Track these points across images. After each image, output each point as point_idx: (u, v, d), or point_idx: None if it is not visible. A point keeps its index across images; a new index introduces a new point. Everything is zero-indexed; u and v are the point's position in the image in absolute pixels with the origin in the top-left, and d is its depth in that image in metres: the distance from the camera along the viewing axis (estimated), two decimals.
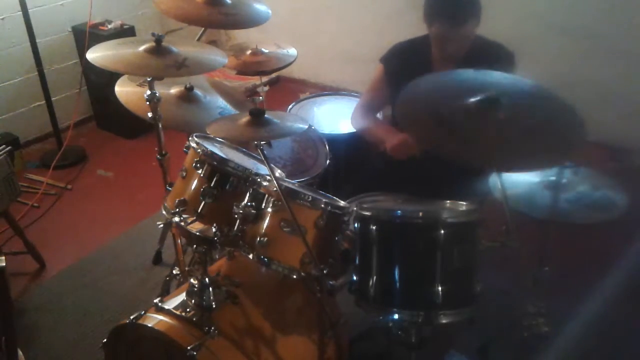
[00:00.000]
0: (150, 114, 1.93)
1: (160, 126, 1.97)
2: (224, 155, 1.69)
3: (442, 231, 1.49)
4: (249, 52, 2.40)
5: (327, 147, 2.30)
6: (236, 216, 1.55)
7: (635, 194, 1.68)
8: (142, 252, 2.72)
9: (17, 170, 3.00)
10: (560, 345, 1.92)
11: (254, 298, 1.70)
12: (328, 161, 2.23)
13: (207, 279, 1.63)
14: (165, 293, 2.17)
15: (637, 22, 2.99)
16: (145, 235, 2.82)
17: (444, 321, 1.50)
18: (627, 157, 3.14)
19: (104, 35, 3.42)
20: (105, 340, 1.66)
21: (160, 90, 1.93)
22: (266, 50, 2.42)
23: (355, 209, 1.61)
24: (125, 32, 3.52)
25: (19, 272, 2.63)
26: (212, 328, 1.53)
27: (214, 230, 1.59)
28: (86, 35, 3.44)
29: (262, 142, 1.52)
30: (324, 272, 1.49)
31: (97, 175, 3.41)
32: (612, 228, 1.67)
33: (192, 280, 1.64)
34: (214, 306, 1.61)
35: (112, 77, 2.18)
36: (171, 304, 1.63)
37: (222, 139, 1.88)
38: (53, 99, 3.43)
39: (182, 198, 1.67)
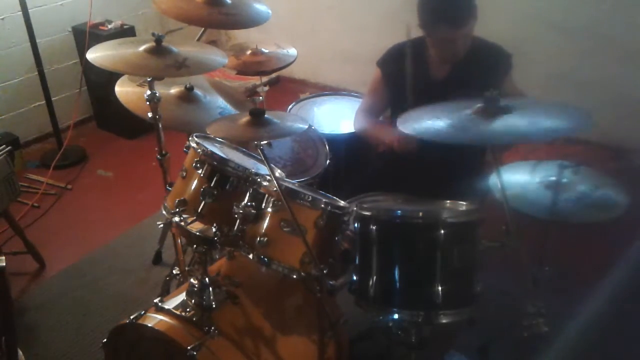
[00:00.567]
0: (150, 114, 1.93)
1: (160, 126, 1.97)
2: (224, 155, 1.69)
3: (442, 231, 1.49)
4: (249, 52, 2.40)
5: (327, 147, 2.30)
6: (236, 216, 1.55)
7: (635, 194, 1.68)
8: (142, 252, 2.72)
9: (17, 170, 3.00)
10: (560, 345, 1.92)
11: (254, 298, 1.70)
12: (328, 161, 2.23)
13: (207, 279, 1.63)
14: (165, 293, 2.17)
15: (637, 22, 2.99)
16: (145, 235, 2.82)
17: (444, 321, 1.50)
18: (627, 157, 3.14)
19: (104, 35, 3.42)
20: (105, 340, 1.66)
21: (160, 90, 1.93)
22: (266, 50, 2.42)
23: (355, 209, 1.61)
24: (125, 32, 3.52)
25: (19, 272, 2.63)
26: (212, 328, 1.53)
27: (214, 230, 1.59)
28: (86, 35, 3.44)
29: (262, 142, 1.52)
30: (324, 272, 1.49)
31: (97, 175, 3.41)
32: (612, 228, 1.67)
33: (192, 280, 1.64)
34: (214, 306, 1.61)
35: (112, 77, 2.18)
36: (171, 303, 1.63)
37: (222, 139, 1.87)
38: (53, 99, 3.43)
39: (182, 198, 1.67)
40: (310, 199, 1.52)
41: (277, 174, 1.60)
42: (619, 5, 3.01)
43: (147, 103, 1.90)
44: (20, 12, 3.14)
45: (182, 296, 1.66)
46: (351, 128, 2.41)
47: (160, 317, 1.58)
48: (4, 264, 1.43)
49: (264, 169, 1.70)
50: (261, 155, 1.51)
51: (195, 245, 1.72)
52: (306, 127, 1.65)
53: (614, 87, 3.07)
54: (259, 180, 1.59)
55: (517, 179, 1.73)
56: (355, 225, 1.61)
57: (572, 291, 2.18)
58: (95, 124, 3.90)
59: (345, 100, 2.79)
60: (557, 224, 1.60)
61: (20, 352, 1.95)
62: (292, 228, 1.50)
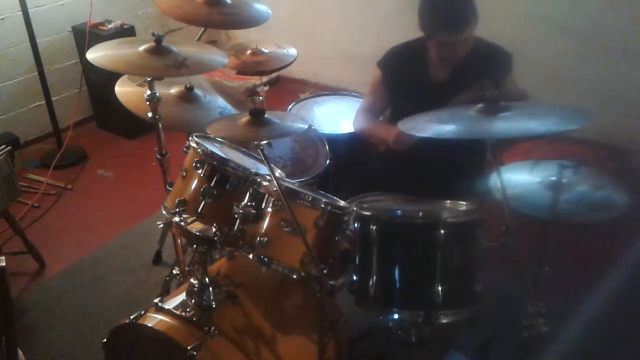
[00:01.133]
0: (150, 114, 1.93)
1: (160, 126, 1.97)
2: (224, 155, 1.69)
3: (442, 231, 1.49)
4: (249, 52, 2.40)
5: (327, 147, 2.30)
6: (236, 216, 1.55)
7: (635, 194, 1.68)
8: (142, 252, 2.72)
9: (17, 170, 3.00)
10: (560, 345, 1.92)
11: (254, 298, 1.70)
12: (328, 161, 2.23)
13: (207, 279, 1.63)
14: (165, 293, 2.17)
15: (637, 22, 2.99)
16: (145, 235, 2.82)
17: (444, 321, 1.50)
18: (627, 157, 3.14)
19: (104, 35, 3.42)
20: (105, 340, 1.66)
21: (160, 90, 1.93)
22: (266, 50, 2.42)
23: (355, 209, 1.61)
24: (125, 32, 3.52)
25: (19, 272, 2.63)
26: (212, 328, 1.53)
27: (214, 230, 1.59)
28: (86, 35, 3.44)
29: (262, 142, 1.52)
30: (324, 272, 1.48)
31: (97, 175, 3.41)
32: (612, 228, 1.67)
33: (192, 280, 1.64)
34: (214, 306, 1.61)
35: (112, 77, 2.18)
36: (171, 303, 1.63)
37: (222, 139, 1.87)
38: (53, 99, 3.43)
39: (182, 198, 1.67)
40: (310, 199, 1.52)
41: (277, 174, 1.60)
42: (619, 5, 3.01)
43: (147, 103, 1.90)
44: (20, 12, 3.14)
45: (182, 296, 1.66)
46: (351, 128, 2.41)
47: (160, 317, 1.58)
48: (4, 264, 1.43)
49: (264, 169, 1.70)
50: (261, 155, 1.51)
51: (195, 245, 1.73)
52: (306, 127, 1.65)
53: (614, 87, 3.07)
54: (259, 180, 1.59)
55: (517, 179, 1.73)
56: (355, 225, 1.61)
57: (572, 291, 2.18)
58: (95, 124, 3.90)
59: (345, 100, 2.79)
60: (557, 224, 1.60)
61: (20, 352, 1.95)
62: (292, 228, 1.49)
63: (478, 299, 1.54)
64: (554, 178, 1.63)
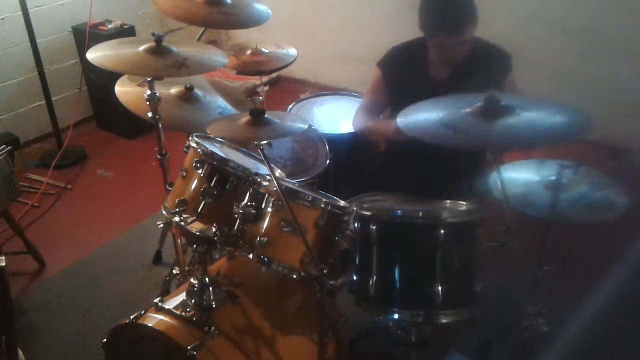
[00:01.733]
0: (150, 114, 1.93)
1: (160, 126, 1.97)
2: (224, 155, 1.69)
3: (442, 231, 1.49)
4: (249, 52, 2.40)
5: (327, 147, 2.30)
6: (236, 216, 1.55)
7: (635, 194, 1.68)
8: (142, 252, 2.72)
9: (17, 170, 3.00)
10: (560, 345, 1.92)
11: (254, 298, 1.70)
12: (328, 161, 2.23)
13: (207, 279, 1.63)
14: (165, 293, 2.17)
15: (637, 22, 2.99)
16: (145, 235, 2.82)
17: (444, 321, 1.50)
18: (627, 157, 3.14)
19: (104, 35, 3.42)
20: (105, 340, 1.66)
21: (160, 90, 1.93)
22: (266, 50, 2.42)
23: (355, 208, 1.61)
24: (125, 32, 3.52)
25: (19, 272, 2.63)
26: (212, 328, 1.53)
27: (214, 230, 1.59)
28: (86, 35, 3.44)
29: (262, 142, 1.52)
30: (324, 272, 1.48)
31: (97, 175, 3.41)
32: (612, 228, 1.67)
33: (192, 280, 1.64)
34: (214, 306, 1.61)
35: (112, 77, 2.18)
36: (171, 303, 1.63)
37: (222, 139, 1.88)
38: (53, 99, 3.43)
39: (182, 198, 1.67)
40: (310, 198, 1.52)
41: (277, 174, 1.60)
42: (619, 5, 3.01)
43: (147, 103, 1.90)
44: (20, 12, 3.14)
45: (182, 296, 1.66)
46: (351, 128, 2.41)
47: (160, 317, 1.58)
48: (4, 264, 1.43)
49: (264, 169, 1.70)
50: (261, 155, 1.51)
51: (195, 245, 1.72)
52: (306, 127, 1.65)
53: (614, 87, 3.07)
54: (259, 180, 1.59)
55: (517, 178, 1.73)
56: (355, 225, 1.61)
57: (572, 291, 2.18)
58: (95, 124, 3.90)
59: (345, 100, 2.79)
60: (557, 224, 1.60)
61: (20, 352, 1.95)
62: (292, 228, 1.50)
63: (478, 299, 1.55)
64: (554, 178, 1.62)
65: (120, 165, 3.49)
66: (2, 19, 3.29)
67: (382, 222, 1.55)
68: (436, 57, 2.14)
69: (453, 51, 2.07)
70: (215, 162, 1.65)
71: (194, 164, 1.67)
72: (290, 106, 2.71)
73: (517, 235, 1.51)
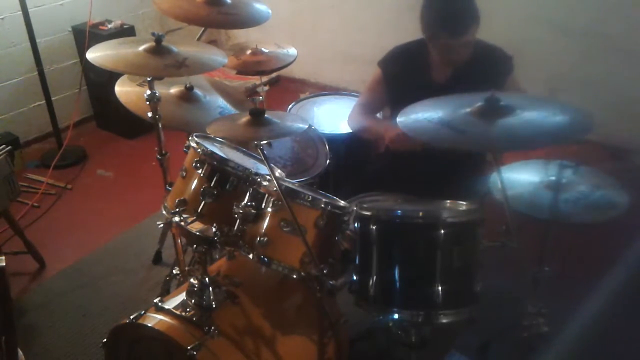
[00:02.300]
0: (150, 114, 1.93)
1: (160, 126, 1.97)
2: (224, 155, 1.69)
3: (442, 231, 1.49)
4: (249, 52, 2.40)
5: (327, 147, 2.30)
6: (236, 216, 1.55)
7: (635, 194, 1.68)
8: (142, 252, 2.72)
9: (17, 170, 3.00)
10: (560, 345, 1.92)
11: (254, 298, 1.70)
12: (328, 161, 2.23)
13: (207, 279, 1.63)
14: (165, 293, 2.17)
15: (637, 22, 2.99)
16: (145, 235, 2.82)
17: (444, 321, 1.50)
18: (627, 157, 3.14)
19: (104, 35, 3.42)
20: (105, 340, 1.66)
21: (160, 90, 1.93)
22: (266, 50, 2.42)
23: (355, 208, 1.61)
24: (125, 31, 3.52)
25: (19, 272, 2.63)
26: (212, 328, 1.53)
27: (214, 230, 1.59)
28: (86, 35, 3.44)
29: (262, 142, 1.52)
30: (324, 272, 1.48)
31: (97, 175, 3.41)
32: (612, 228, 1.67)
33: (192, 280, 1.64)
34: (214, 306, 1.61)
35: (112, 76, 2.18)
36: (171, 303, 1.63)
37: (222, 138, 1.88)
38: (53, 98, 3.43)
39: (182, 198, 1.67)
40: (310, 198, 1.52)
41: (277, 174, 1.60)
42: (619, 5, 3.01)
43: (147, 103, 1.90)
44: (20, 12, 3.14)
45: (182, 296, 1.65)
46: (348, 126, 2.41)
47: (160, 317, 1.58)
48: (4, 264, 1.43)
49: (264, 169, 1.70)
50: (261, 155, 1.51)
51: (195, 245, 1.72)
52: (306, 127, 1.65)
53: (614, 87, 3.07)
54: (259, 180, 1.59)
55: (517, 179, 1.73)
56: (355, 225, 1.61)
57: (572, 291, 2.18)
58: (95, 124, 3.90)
59: (345, 100, 2.79)
60: (557, 224, 1.60)
61: (20, 352, 1.95)
62: (292, 228, 1.50)
63: (478, 299, 1.55)
64: (554, 178, 1.63)
65: (120, 165, 3.49)
66: (2, 19, 3.29)
67: (382, 222, 1.55)
68: (438, 59, 2.13)
69: (455, 53, 2.06)
70: (215, 162, 1.65)
71: (194, 164, 1.67)
72: (290, 106, 2.71)
73: (517, 235, 1.51)
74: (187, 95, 2.19)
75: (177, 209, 1.66)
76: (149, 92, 1.88)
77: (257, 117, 1.57)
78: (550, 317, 1.61)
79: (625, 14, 3.01)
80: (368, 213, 1.57)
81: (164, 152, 2.03)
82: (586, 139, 1.50)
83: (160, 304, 1.62)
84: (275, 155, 2.25)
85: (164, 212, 1.76)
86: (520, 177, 1.74)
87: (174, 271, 2.11)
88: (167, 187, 1.94)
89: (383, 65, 2.30)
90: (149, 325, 1.55)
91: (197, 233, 1.73)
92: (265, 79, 3.88)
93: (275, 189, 1.50)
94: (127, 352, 1.68)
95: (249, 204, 1.56)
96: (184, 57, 1.81)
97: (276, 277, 1.75)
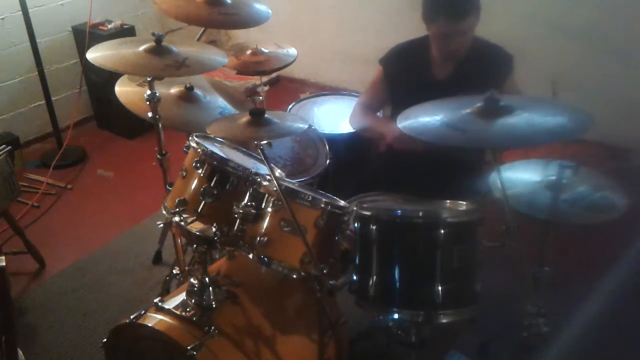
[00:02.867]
0: (150, 114, 1.93)
1: (160, 126, 1.97)
2: (224, 155, 1.69)
3: (442, 231, 1.49)
4: (249, 52, 2.40)
5: (327, 147, 2.30)
6: (236, 216, 1.55)
7: (635, 194, 1.68)
8: (142, 252, 2.72)
9: (17, 170, 3.00)
10: (560, 345, 1.92)
11: (254, 298, 1.70)
12: (328, 161, 2.23)
13: (207, 279, 1.64)
14: (165, 293, 2.17)
15: (637, 22, 2.99)
16: (145, 235, 2.82)
17: (444, 321, 1.50)
18: (627, 157, 3.14)
19: (104, 35, 3.42)
20: (105, 340, 1.66)
21: (160, 90, 1.93)
22: (266, 50, 2.42)
23: (355, 208, 1.61)
24: (125, 32, 3.52)
25: (19, 272, 2.63)
26: (212, 328, 1.53)
27: (214, 230, 1.59)
28: (86, 35, 3.44)
29: (262, 142, 1.52)
30: (324, 271, 1.49)
31: (97, 175, 3.41)
32: (612, 228, 1.67)
33: (192, 280, 1.64)
34: (214, 306, 1.62)
35: (112, 77, 2.18)
36: (171, 303, 1.63)
37: (222, 138, 1.88)
38: (53, 99, 3.43)
39: (182, 198, 1.67)
40: (310, 198, 1.52)
41: (277, 174, 1.60)
42: (619, 5, 3.01)
43: (147, 103, 1.90)
44: (20, 12, 3.14)
45: (182, 296, 1.66)
46: (351, 128, 2.41)
47: (160, 316, 1.58)
48: (4, 264, 1.43)
49: (264, 169, 1.70)
50: (261, 155, 1.51)
51: (195, 245, 1.72)
52: (306, 127, 1.65)
53: (614, 87, 3.07)
54: (259, 180, 1.59)
55: (517, 178, 1.73)
56: (355, 225, 1.61)
57: (572, 291, 2.18)
58: (95, 124, 3.90)
59: (345, 100, 2.79)
60: (557, 224, 1.60)
61: (20, 352, 1.95)
62: (292, 228, 1.49)
63: (478, 299, 1.55)
64: (554, 178, 1.63)
65: (120, 165, 3.49)
66: (2, 19, 3.29)
67: (382, 222, 1.56)
68: (438, 52, 2.13)
69: (453, 43, 2.06)
70: (215, 162, 1.65)
71: (194, 164, 1.67)
72: (290, 106, 2.71)
73: (517, 235, 1.51)
74: (187, 95, 2.19)
75: (177, 209, 1.66)
76: (149, 92, 1.88)
77: (257, 117, 1.58)
78: (550, 317, 1.61)
79: (625, 14, 3.00)
80: (368, 213, 1.57)
81: (164, 152, 2.03)
82: (586, 139, 1.50)
83: (160, 304, 1.62)
84: (275, 155, 2.25)
85: (164, 212, 1.76)
86: (520, 177, 1.74)
87: (174, 271, 2.11)
88: (167, 187, 1.95)
89: (384, 62, 2.30)
90: (149, 325, 1.55)
91: (197, 233, 1.73)
92: (265, 79, 3.88)
93: (275, 189, 1.50)
94: (127, 352, 1.68)
95: (249, 204, 1.56)
96: (184, 57, 1.81)
97: (276, 277, 1.75)
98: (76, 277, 2.60)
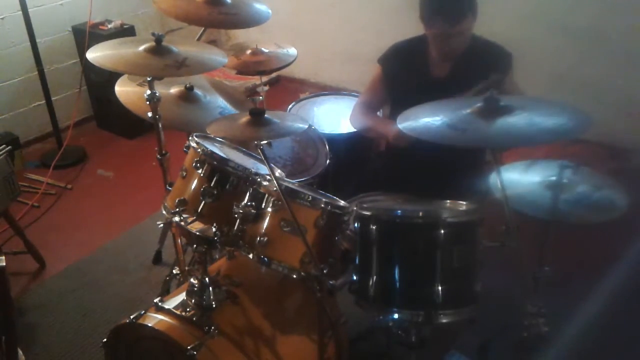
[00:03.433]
0: (150, 114, 1.93)
1: (160, 126, 1.97)
2: (224, 155, 1.69)
3: (442, 231, 1.49)
4: (249, 51, 2.40)
5: (327, 147, 2.30)
6: (236, 216, 1.55)
7: (635, 194, 1.68)
8: (142, 252, 2.72)
9: (17, 170, 3.00)
10: (560, 345, 1.92)
11: (254, 298, 1.70)
12: (328, 161, 2.23)
13: (207, 279, 1.63)
14: (165, 293, 2.17)
15: (637, 22, 2.99)
16: (145, 235, 2.82)
17: (444, 321, 1.50)
18: (627, 157, 3.14)
19: (104, 35, 3.42)
20: (105, 340, 1.66)
21: (160, 90, 1.93)
22: (266, 50, 2.42)
23: (355, 208, 1.61)
24: (125, 31, 3.52)
25: (19, 272, 2.63)
26: (212, 328, 1.53)
27: (214, 229, 1.59)
28: (86, 35, 3.44)
29: (262, 142, 1.52)
30: (324, 271, 1.48)
31: (97, 175, 3.41)
32: (612, 228, 1.67)
33: (192, 280, 1.64)
34: (214, 306, 1.61)
35: (112, 76, 2.18)
36: (171, 303, 1.63)
37: (222, 138, 1.88)
38: (53, 98, 3.43)
39: (182, 198, 1.67)
40: (310, 198, 1.52)
41: (277, 174, 1.60)
42: (619, 5, 3.01)
43: (147, 103, 1.90)
44: (20, 12, 3.14)
45: (182, 296, 1.66)
46: (351, 128, 2.41)
47: (160, 316, 1.58)
48: (4, 264, 1.43)
49: (264, 169, 1.70)
50: (261, 155, 1.51)
51: (195, 245, 1.72)
52: (306, 127, 1.65)
53: (614, 87, 3.07)
54: (259, 180, 1.59)
55: (517, 178, 1.73)
56: (356, 225, 1.61)
57: (572, 291, 2.18)
58: (95, 124, 3.90)
59: (345, 100, 2.79)
60: (557, 224, 1.60)
61: (20, 352, 1.95)
62: (292, 228, 1.49)
63: (478, 299, 1.55)
64: (554, 178, 1.63)
65: (120, 165, 3.49)
66: (2, 18, 3.29)
67: (382, 222, 1.56)
68: (436, 51, 2.14)
69: (451, 43, 2.06)
70: (215, 162, 1.65)
71: (194, 164, 1.67)
72: (290, 106, 2.71)
73: (517, 235, 1.51)
74: (187, 95, 2.19)
75: (177, 209, 1.66)
76: (149, 92, 1.88)
77: (257, 117, 1.57)
78: (550, 317, 1.60)
79: (625, 14, 3.00)
80: (368, 213, 1.57)
81: (164, 152, 2.03)
82: (586, 139, 1.50)
83: (160, 303, 1.62)
84: (275, 155, 2.25)
85: (164, 212, 1.76)
86: (520, 177, 1.74)
87: (174, 271, 2.11)
88: (167, 187, 1.95)
89: (383, 61, 2.31)
90: (149, 325, 1.55)
91: (197, 233, 1.73)
92: (265, 79, 3.87)
93: (275, 189, 1.50)
94: (127, 352, 1.68)
95: (249, 204, 1.56)
96: (184, 57, 1.81)
97: (276, 277, 1.75)
98: (76, 277, 2.60)
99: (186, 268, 2.11)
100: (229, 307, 1.65)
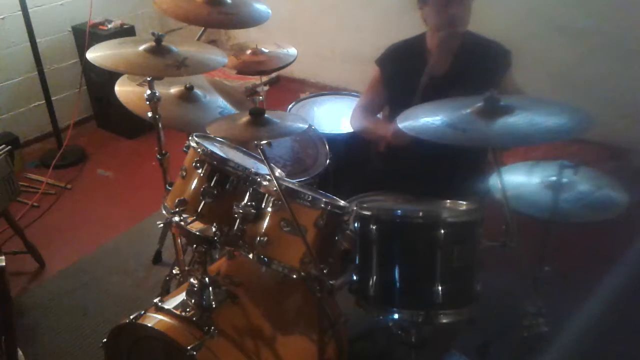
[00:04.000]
0: (150, 114, 1.93)
1: (160, 126, 1.97)
2: (223, 155, 1.69)
3: (442, 231, 1.49)
4: (249, 51, 2.40)
5: (327, 147, 2.30)
6: (236, 216, 1.55)
7: (635, 194, 1.68)
8: (142, 252, 2.72)
9: (17, 170, 3.00)
10: (560, 345, 1.92)
11: (254, 298, 1.70)
12: (328, 161, 2.23)
13: (207, 279, 1.63)
14: (165, 293, 2.17)
15: (637, 22, 2.99)
16: (145, 235, 2.82)
17: (444, 321, 1.50)
18: (627, 157, 3.14)
19: (104, 35, 3.42)
20: (105, 340, 1.66)
21: (160, 90, 1.93)
22: (266, 50, 2.42)
23: (355, 208, 1.61)
24: (125, 31, 3.52)
25: (19, 272, 2.63)
26: (212, 328, 1.53)
27: (213, 229, 1.59)
28: (86, 35, 3.44)
29: (262, 142, 1.52)
30: (324, 271, 1.48)
31: (97, 175, 3.41)
32: (612, 228, 1.67)
33: (192, 280, 1.64)
34: (214, 306, 1.61)
35: (112, 76, 2.18)
36: (171, 303, 1.63)
37: (222, 138, 1.88)
38: (53, 98, 3.43)
39: (182, 198, 1.67)
40: (310, 198, 1.52)
41: (277, 174, 1.60)
42: (619, 5, 3.01)
43: (147, 103, 1.90)
44: (20, 12, 3.14)
45: (182, 296, 1.65)
46: (351, 128, 2.41)
47: (160, 317, 1.58)
48: (4, 264, 1.43)
49: (264, 169, 1.70)
50: (261, 155, 1.51)
51: (195, 245, 1.72)
52: (306, 127, 1.65)
53: (614, 87, 3.07)
54: (258, 179, 1.59)
55: (517, 179, 1.73)
56: (355, 225, 1.61)
57: (572, 291, 2.18)
58: (95, 124, 3.90)
59: (345, 100, 2.79)
60: (557, 224, 1.60)
61: (20, 352, 1.95)
62: (292, 228, 1.49)
63: (478, 299, 1.55)
64: (554, 178, 1.63)
65: (120, 165, 3.49)
66: (2, 19, 3.29)
67: (382, 222, 1.55)
68: (433, 44, 2.12)
69: (451, 9, 2.00)
70: (215, 162, 1.65)
71: (194, 164, 1.67)
72: (290, 106, 2.71)
73: (517, 235, 1.51)
74: (187, 95, 2.19)
75: (177, 209, 1.66)
76: (149, 92, 1.88)
77: (257, 117, 1.57)
78: (550, 317, 1.60)
79: (625, 14, 3.00)
80: (368, 213, 1.57)
81: (164, 152, 2.03)
82: (586, 139, 1.50)
83: (160, 304, 1.62)
84: (275, 155, 2.25)
85: (164, 212, 1.76)
86: (521, 177, 1.74)
87: (174, 271, 2.11)
88: (167, 187, 1.94)
89: (381, 63, 2.30)
90: (149, 325, 1.55)
91: (197, 233, 1.73)
92: (265, 79, 3.87)
93: (275, 188, 1.50)
94: (127, 352, 1.68)
95: (249, 203, 1.56)
96: (184, 57, 1.81)
97: (276, 277, 1.75)
98: (76, 277, 2.60)
99: (186, 268, 2.11)
100: (229, 307, 1.65)
